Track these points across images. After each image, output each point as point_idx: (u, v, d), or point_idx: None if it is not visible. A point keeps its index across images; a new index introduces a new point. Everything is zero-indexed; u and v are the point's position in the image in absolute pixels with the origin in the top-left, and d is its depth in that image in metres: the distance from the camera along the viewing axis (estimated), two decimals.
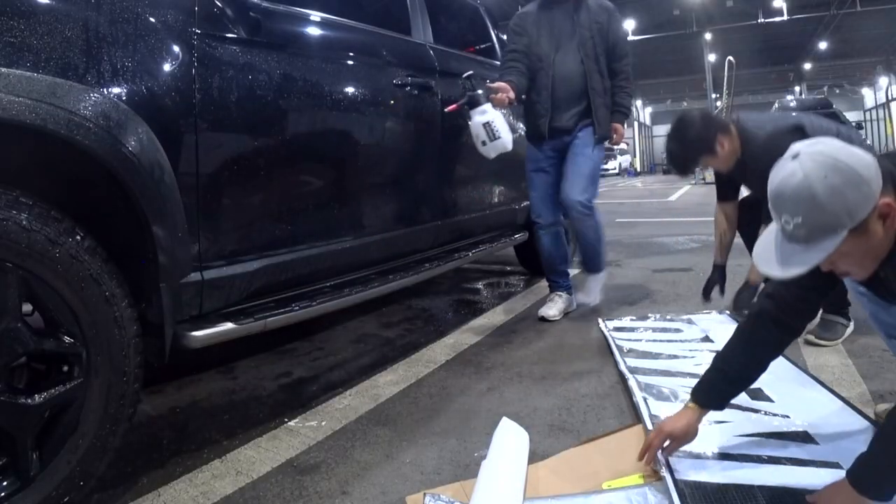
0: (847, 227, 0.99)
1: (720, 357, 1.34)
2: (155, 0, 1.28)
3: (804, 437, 1.42)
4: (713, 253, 2.51)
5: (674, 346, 2.18)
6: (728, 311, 2.47)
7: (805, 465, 1.29)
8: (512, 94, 2.28)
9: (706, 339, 2.23)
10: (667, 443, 1.31)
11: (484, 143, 2.24)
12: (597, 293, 2.76)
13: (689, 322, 2.47)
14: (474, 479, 1.26)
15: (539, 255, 2.73)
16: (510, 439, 1.38)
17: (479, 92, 2.23)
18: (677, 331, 2.39)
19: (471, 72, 2.30)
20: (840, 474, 1.20)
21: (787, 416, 1.53)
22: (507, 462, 1.30)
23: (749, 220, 2.30)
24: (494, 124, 2.22)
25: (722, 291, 2.47)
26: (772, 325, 1.27)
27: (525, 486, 1.25)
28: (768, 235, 1.10)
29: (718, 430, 1.46)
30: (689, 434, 1.31)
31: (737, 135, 2.07)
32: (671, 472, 1.27)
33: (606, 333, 2.34)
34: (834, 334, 2.10)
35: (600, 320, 2.53)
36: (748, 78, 21.67)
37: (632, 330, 2.40)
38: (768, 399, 1.65)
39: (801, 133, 1.90)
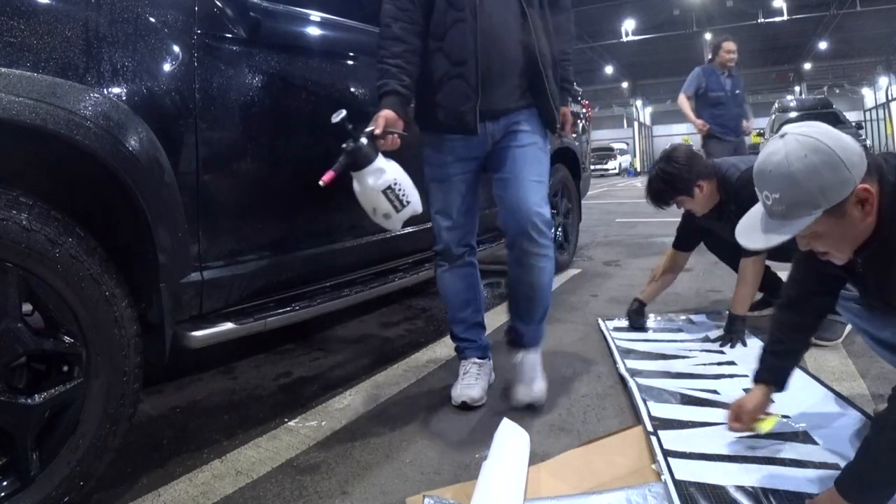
0: (822, 207, 1.03)
1: (768, 344, 1.42)
2: (155, 0, 1.27)
3: (804, 438, 1.42)
4: (644, 290, 2.51)
5: (674, 346, 2.19)
6: (728, 311, 2.48)
7: (805, 467, 1.29)
8: (401, 126, 1.58)
9: (706, 339, 2.23)
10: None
11: (387, 217, 1.56)
12: (542, 383, 1.74)
13: (690, 322, 2.47)
14: (474, 480, 1.26)
15: (445, 302, 1.88)
16: (511, 441, 1.38)
17: (364, 142, 1.49)
18: (677, 331, 2.39)
19: (343, 112, 1.49)
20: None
21: (787, 417, 1.53)
22: (508, 463, 1.30)
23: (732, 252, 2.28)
24: (400, 186, 1.54)
25: (636, 326, 2.44)
26: (806, 308, 1.39)
27: (526, 487, 1.25)
28: (753, 213, 1.17)
29: (719, 430, 1.46)
30: (763, 408, 1.40)
31: (711, 187, 2.10)
32: (671, 472, 1.27)
33: (606, 334, 2.34)
34: (833, 334, 2.10)
35: (600, 320, 2.54)
36: (748, 78, 21.64)
37: (632, 330, 2.40)
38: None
39: None
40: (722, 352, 2.09)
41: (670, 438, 1.42)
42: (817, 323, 1.41)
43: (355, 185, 1.54)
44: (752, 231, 1.15)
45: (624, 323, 2.47)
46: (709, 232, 2.36)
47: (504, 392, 1.82)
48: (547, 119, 1.74)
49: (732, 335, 2.14)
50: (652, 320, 2.53)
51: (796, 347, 1.41)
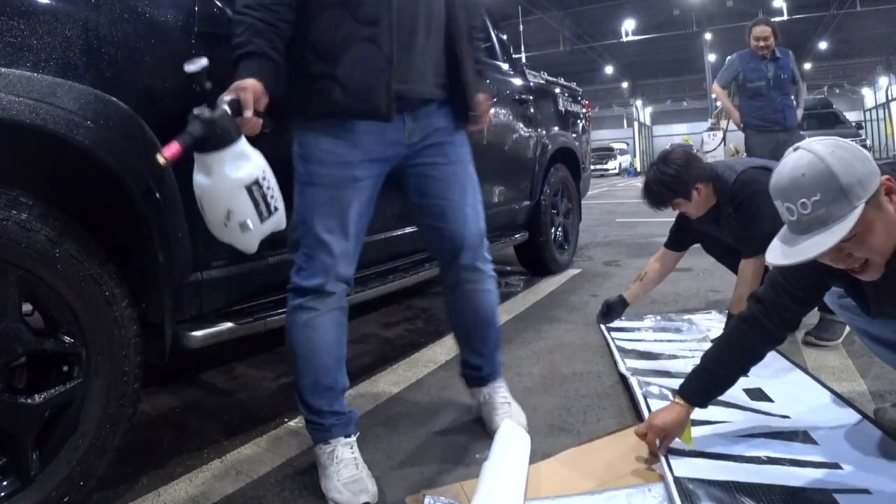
0: (863, 198, 1.01)
1: (707, 357, 1.41)
2: (155, 0, 1.27)
3: (804, 437, 1.42)
4: (630, 288, 2.49)
5: (674, 346, 2.19)
6: (728, 311, 2.48)
7: (804, 466, 1.29)
8: (265, 104, 1.18)
9: (706, 339, 2.23)
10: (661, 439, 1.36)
11: (244, 227, 1.15)
12: (521, 411, 1.59)
13: (690, 322, 2.47)
14: (475, 479, 1.26)
15: (298, 361, 1.35)
16: (512, 441, 1.39)
17: (226, 111, 1.10)
18: (677, 331, 2.39)
19: (203, 61, 1.11)
20: (839, 474, 1.20)
21: (787, 417, 1.53)
22: (509, 463, 1.30)
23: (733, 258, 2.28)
24: (269, 184, 1.17)
25: (611, 320, 2.46)
26: (757, 331, 1.33)
27: (526, 487, 1.25)
28: (778, 239, 1.13)
29: (719, 430, 1.46)
30: (681, 428, 1.36)
31: (707, 190, 2.10)
32: (671, 471, 1.27)
33: (606, 334, 2.34)
34: (833, 334, 2.10)
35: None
36: None
37: (632, 330, 2.41)
38: (768, 399, 1.65)
39: (770, 171, 1.99)
40: None
41: (682, 467, 1.33)
42: (769, 346, 1.36)
43: (200, 177, 1.12)
44: (790, 249, 1.08)
45: (624, 323, 2.47)
46: (704, 235, 2.36)
47: None
48: (463, 109, 1.41)
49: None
50: (651, 320, 2.53)
51: (734, 376, 1.37)
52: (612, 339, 2.26)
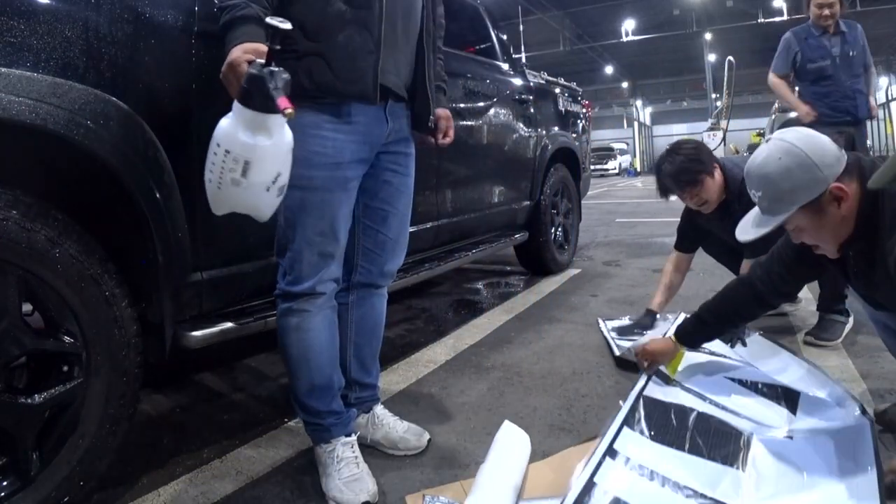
0: (797, 203, 1.19)
1: (704, 306, 1.65)
2: (155, 0, 1.27)
3: (787, 404, 1.55)
4: (653, 298, 2.40)
5: None
6: None
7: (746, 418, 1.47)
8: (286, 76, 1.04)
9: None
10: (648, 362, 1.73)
11: (282, 192, 1.12)
12: (418, 427, 1.55)
13: None
14: (472, 479, 1.26)
15: (292, 364, 1.33)
16: (511, 442, 1.39)
17: (284, 77, 1.02)
18: None
19: (286, 22, 1.03)
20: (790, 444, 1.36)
21: (755, 367, 1.76)
22: (507, 464, 1.30)
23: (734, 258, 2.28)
24: (285, 166, 1.10)
25: (641, 333, 2.27)
26: (751, 293, 1.54)
27: (523, 487, 1.25)
28: (750, 213, 1.33)
29: (706, 365, 1.74)
30: (667, 358, 1.72)
31: (721, 177, 2.08)
32: (641, 389, 1.58)
33: (606, 334, 2.34)
34: (833, 334, 2.10)
35: (600, 320, 2.53)
36: (748, 78, 21.64)
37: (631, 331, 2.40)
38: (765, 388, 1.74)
39: None
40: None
41: (653, 389, 1.64)
42: (760, 309, 1.57)
43: (260, 138, 1.03)
44: (745, 226, 1.32)
45: (625, 322, 2.47)
46: (708, 234, 2.35)
47: (499, 397, 1.82)
48: (421, 118, 1.40)
49: (732, 334, 2.13)
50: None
51: (724, 329, 1.67)
52: (612, 339, 2.26)
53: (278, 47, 1.04)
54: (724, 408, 1.53)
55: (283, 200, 1.17)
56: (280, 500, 1.31)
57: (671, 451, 1.31)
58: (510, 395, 1.81)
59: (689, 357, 1.76)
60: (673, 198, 2.17)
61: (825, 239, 1.26)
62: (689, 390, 1.63)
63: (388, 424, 1.52)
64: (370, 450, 1.48)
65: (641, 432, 1.38)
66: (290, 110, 0.99)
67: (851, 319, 2.14)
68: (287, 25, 1.03)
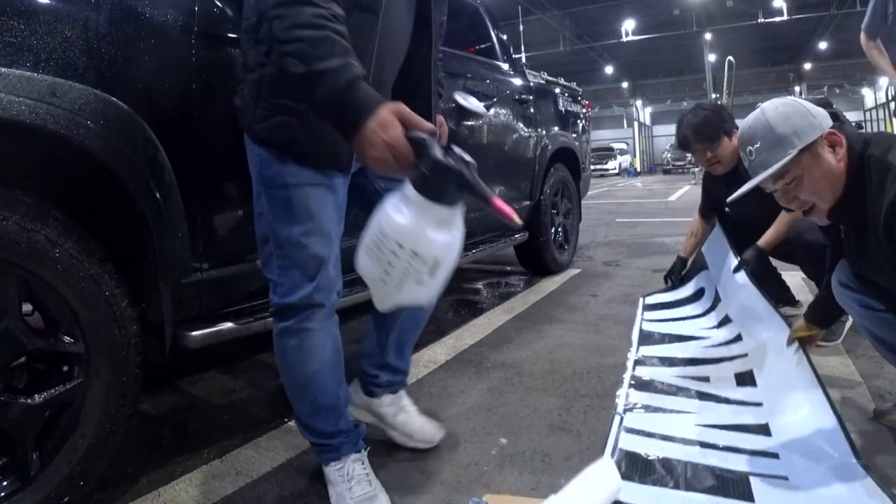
0: (797, 146, 1.21)
1: (823, 288, 1.60)
2: (155, 0, 1.27)
3: (762, 430, 1.49)
4: (684, 246, 2.86)
5: (694, 326, 2.32)
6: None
7: (740, 453, 1.38)
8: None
9: (727, 318, 2.26)
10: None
11: (433, 275, 0.95)
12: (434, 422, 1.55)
13: (717, 299, 2.49)
14: (539, 499, 1.18)
15: (294, 387, 1.26)
16: (597, 481, 1.22)
17: (474, 164, 0.96)
18: (699, 312, 2.48)
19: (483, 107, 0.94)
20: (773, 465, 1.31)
21: (760, 405, 1.62)
22: (581, 498, 1.17)
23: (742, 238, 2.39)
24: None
25: (679, 278, 2.80)
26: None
27: None
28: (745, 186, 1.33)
29: (679, 418, 1.59)
30: (804, 332, 1.63)
31: (737, 143, 2.10)
32: (616, 442, 1.45)
33: (638, 311, 2.56)
34: (833, 334, 2.10)
35: (641, 298, 2.78)
36: (748, 78, 21.69)
37: (665, 307, 2.62)
38: (753, 383, 1.74)
39: None
40: (739, 336, 2.09)
41: (634, 419, 1.59)
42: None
43: (442, 235, 0.92)
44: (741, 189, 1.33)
45: (666, 297, 2.70)
46: (719, 204, 2.43)
47: (499, 397, 1.82)
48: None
49: (745, 261, 2.23)
50: (693, 286, 2.70)
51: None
52: (641, 320, 2.39)
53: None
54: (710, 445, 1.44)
55: (262, 204, 1.12)
56: (280, 500, 1.30)
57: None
58: (510, 395, 1.81)
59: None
60: (688, 156, 2.34)
61: (820, 192, 1.24)
62: (666, 438, 1.48)
63: (410, 412, 1.54)
64: (371, 451, 1.48)
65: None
66: (514, 216, 0.88)
67: (851, 319, 2.13)
68: (480, 110, 0.87)
